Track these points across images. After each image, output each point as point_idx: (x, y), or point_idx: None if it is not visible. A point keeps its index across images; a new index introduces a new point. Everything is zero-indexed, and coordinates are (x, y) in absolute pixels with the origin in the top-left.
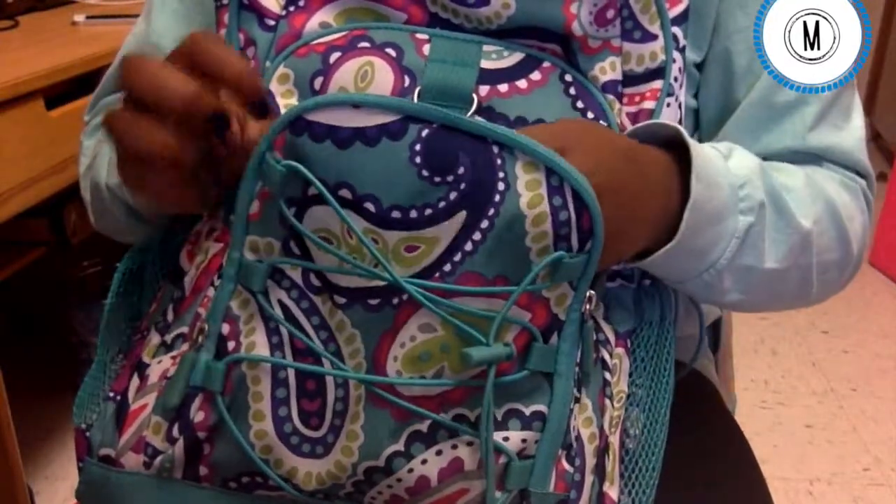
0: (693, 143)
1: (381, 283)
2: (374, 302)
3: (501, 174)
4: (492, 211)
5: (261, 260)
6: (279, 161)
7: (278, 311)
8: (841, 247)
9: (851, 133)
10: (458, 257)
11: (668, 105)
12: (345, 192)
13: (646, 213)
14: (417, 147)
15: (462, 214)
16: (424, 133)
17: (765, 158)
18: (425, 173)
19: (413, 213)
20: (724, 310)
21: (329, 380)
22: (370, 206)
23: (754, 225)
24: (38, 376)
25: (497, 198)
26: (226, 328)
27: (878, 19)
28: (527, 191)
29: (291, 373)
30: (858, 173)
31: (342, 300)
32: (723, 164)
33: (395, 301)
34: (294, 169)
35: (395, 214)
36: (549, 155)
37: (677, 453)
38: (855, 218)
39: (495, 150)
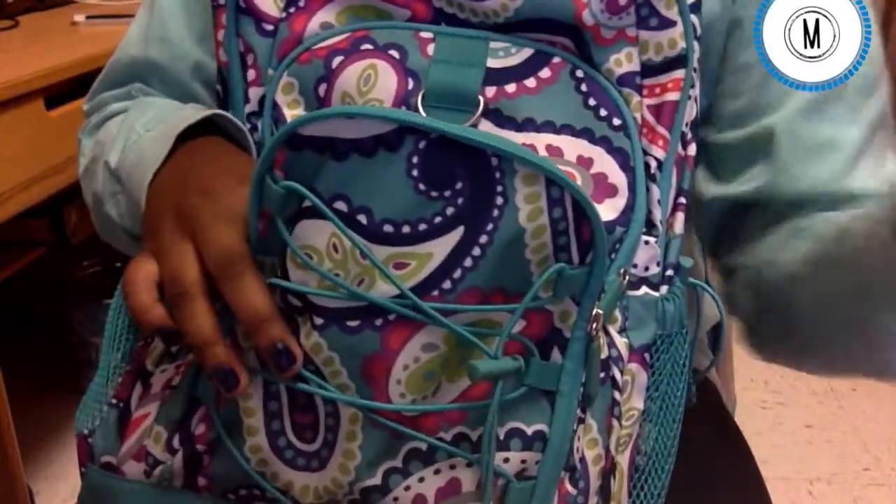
0: None
1: (362, 304)
2: (353, 324)
3: (500, 188)
4: (490, 226)
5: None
6: (278, 181)
7: None
8: None
9: (890, 174)
10: (458, 273)
11: (690, 97)
12: (340, 205)
13: None
14: (415, 160)
15: (460, 230)
16: (422, 145)
17: (798, 202)
18: (422, 187)
19: (405, 229)
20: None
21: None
22: (362, 219)
23: None
24: (38, 376)
25: (496, 213)
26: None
27: (878, 20)
28: (526, 204)
29: (282, 385)
30: None
31: (320, 321)
32: None
33: (379, 322)
34: (293, 188)
35: (387, 228)
36: (549, 165)
37: (676, 454)
38: None
39: (494, 162)
